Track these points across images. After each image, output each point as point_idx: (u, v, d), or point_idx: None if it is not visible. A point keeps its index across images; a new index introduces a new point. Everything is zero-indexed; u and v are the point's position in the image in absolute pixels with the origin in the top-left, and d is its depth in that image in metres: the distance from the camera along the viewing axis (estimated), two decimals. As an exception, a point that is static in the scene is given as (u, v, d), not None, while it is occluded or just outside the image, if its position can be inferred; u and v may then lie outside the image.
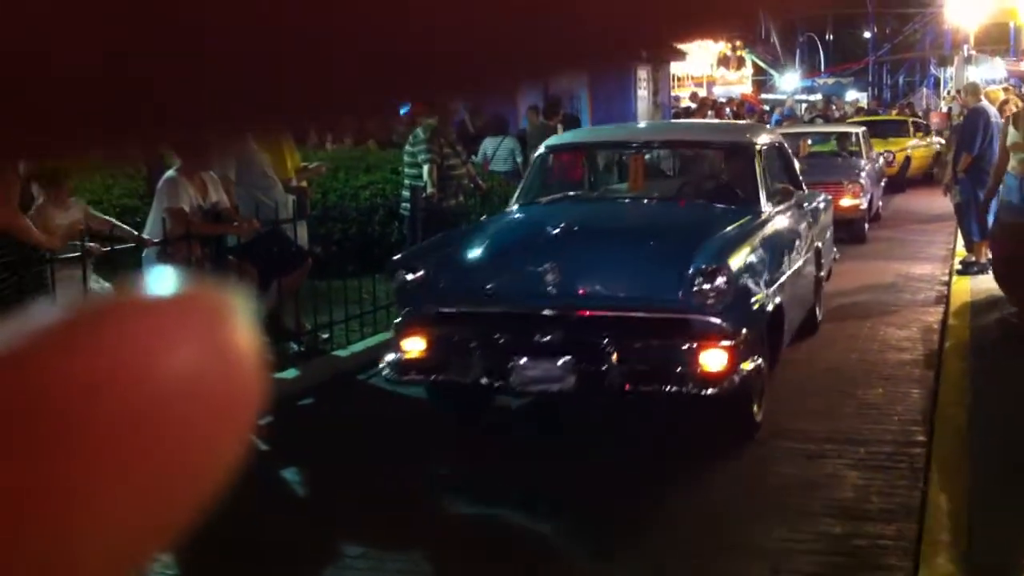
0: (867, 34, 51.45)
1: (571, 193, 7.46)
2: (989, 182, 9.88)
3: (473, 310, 5.63)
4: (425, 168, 9.01)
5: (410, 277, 5.78)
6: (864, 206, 13.31)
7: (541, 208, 6.92)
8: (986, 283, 9.22)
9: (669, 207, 6.99)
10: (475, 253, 5.97)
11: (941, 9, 35.54)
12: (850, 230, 12.60)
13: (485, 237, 6.19)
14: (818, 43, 53.21)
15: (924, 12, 43.58)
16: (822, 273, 8.08)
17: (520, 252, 5.91)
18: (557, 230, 6.16)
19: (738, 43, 33.35)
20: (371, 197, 10.43)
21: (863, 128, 16.51)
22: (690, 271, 5.36)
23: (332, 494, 5.31)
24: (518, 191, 7.35)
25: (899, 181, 19.57)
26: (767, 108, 31.02)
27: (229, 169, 6.91)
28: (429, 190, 8.91)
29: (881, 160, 16.66)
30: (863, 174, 13.88)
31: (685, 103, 19.52)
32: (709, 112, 17.49)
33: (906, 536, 4.47)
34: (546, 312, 5.50)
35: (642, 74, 18.48)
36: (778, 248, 6.34)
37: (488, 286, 5.66)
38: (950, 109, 28.46)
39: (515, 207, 7.05)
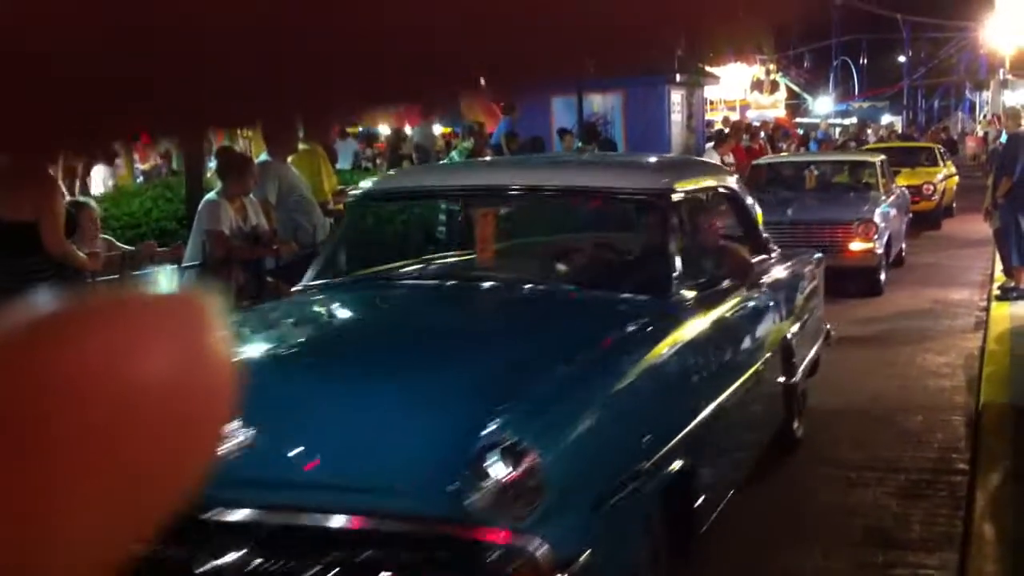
0: (902, 58, 51.30)
1: (374, 271, 4.94)
2: None
3: None
4: (461, 191, 9.04)
5: None
6: (879, 250, 10.99)
7: (315, 299, 4.51)
8: (1026, 309, 9.12)
9: (515, 300, 4.25)
10: None
11: (977, 33, 35.38)
12: (862, 280, 10.85)
13: None
14: (852, 67, 53.07)
15: (959, 36, 43.40)
16: (795, 378, 5.58)
17: None
18: (293, 351, 3.77)
19: (771, 67, 33.32)
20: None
21: (882, 157, 13.86)
22: (476, 446, 2.89)
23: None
24: (312, 265, 4.88)
25: (936, 216, 17.50)
26: (801, 132, 30.96)
27: (270, 192, 6.96)
28: (465, 213, 8.93)
29: (905, 194, 14.11)
30: (879, 211, 11.47)
31: (719, 127, 19.48)
32: (744, 136, 17.43)
33: (948, 566, 4.42)
34: (226, 516, 2.97)
35: (676, 98, 18.48)
36: (692, 368, 3.90)
37: None
38: (986, 134, 28.24)
39: (295, 291, 4.69)
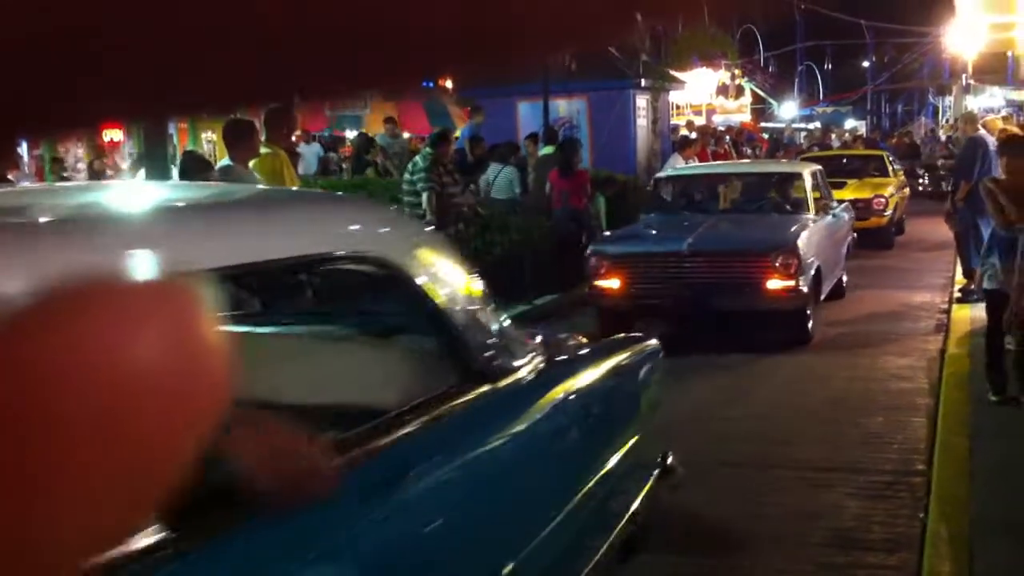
0: (866, 63, 51.78)
1: None
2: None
3: None
4: (424, 196, 9.04)
5: None
6: (804, 288, 8.59)
7: None
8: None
9: None
10: None
11: (940, 38, 35.77)
12: (784, 326, 8.77)
13: None
14: (816, 72, 53.52)
15: (923, 41, 43.85)
16: None
17: None
18: None
19: (737, 72, 33.55)
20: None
21: (815, 167, 11.14)
22: None
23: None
24: None
25: (887, 235, 15.49)
26: (766, 136, 31.17)
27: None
28: (428, 218, 8.93)
29: (847, 212, 11.74)
30: (806, 236, 8.93)
31: (683, 132, 19.57)
32: (711, 141, 17.50)
33: (907, 566, 4.45)
34: None
35: (641, 102, 18.54)
36: None
37: None
38: (948, 138, 28.52)
39: None
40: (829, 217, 10.39)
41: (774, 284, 8.51)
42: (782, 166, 13.09)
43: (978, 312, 9.47)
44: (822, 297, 9.54)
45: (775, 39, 45.77)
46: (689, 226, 9.36)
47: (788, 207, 10.17)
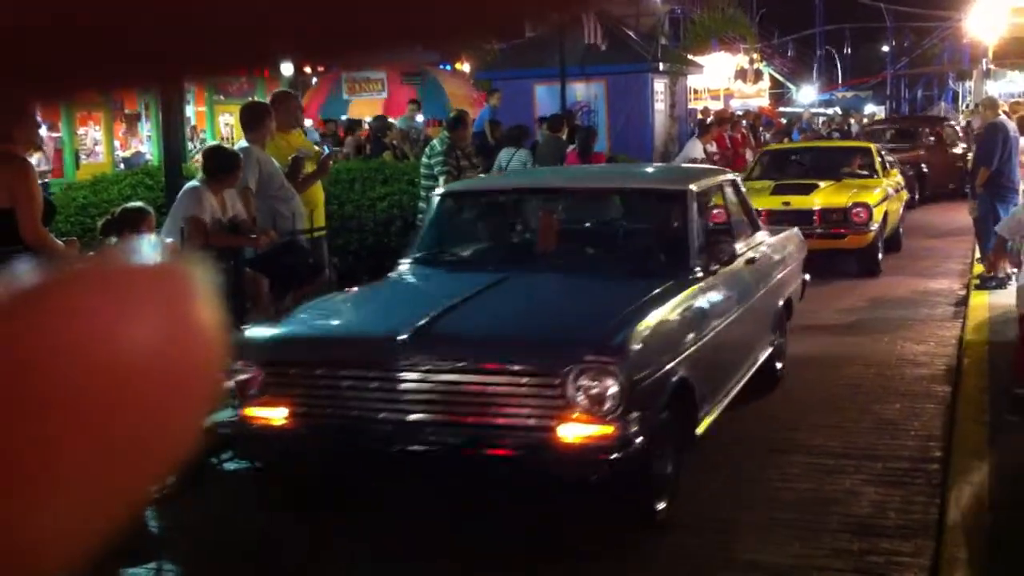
0: (885, 48, 51.43)
1: None
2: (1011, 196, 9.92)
3: None
4: (441, 180, 9.03)
5: None
6: (640, 432, 4.27)
7: None
8: (1004, 298, 9.16)
9: None
10: None
11: (960, 23, 35.46)
12: (610, 503, 4.70)
13: None
14: (836, 56, 53.19)
15: (943, 26, 43.51)
16: None
17: None
18: None
19: (755, 56, 33.34)
20: (388, 208, 10.47)
21: (720, 179, 6.74)
22: None
23: (344, 507, 5.31)
24: None
25: (871, 257, 11.34)
26: (784, 121, 30.99)
27: (251, 180, 6.93)
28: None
29: (775, 258, 6.88)
30: (651, 323, 4.62)
31: (700, 117, 19.45)
32: (728, 126, 17.36)
33: (923, 553, 4.45)
34: None
35: (659, 87, 18.46)
36: None
37: None
38: (968, 123, 28.33)
39: None
40: (735, 268, 5.92)
41: (570, 431, 4.27)
42: (654, 180, 7.32)
43: (996, 299, 9.43)
44: (701, 428, 5.09)
45: (794, 23, 45.50)
46: (451, 290, 5.14)
47: (660, 256, 5.77)
